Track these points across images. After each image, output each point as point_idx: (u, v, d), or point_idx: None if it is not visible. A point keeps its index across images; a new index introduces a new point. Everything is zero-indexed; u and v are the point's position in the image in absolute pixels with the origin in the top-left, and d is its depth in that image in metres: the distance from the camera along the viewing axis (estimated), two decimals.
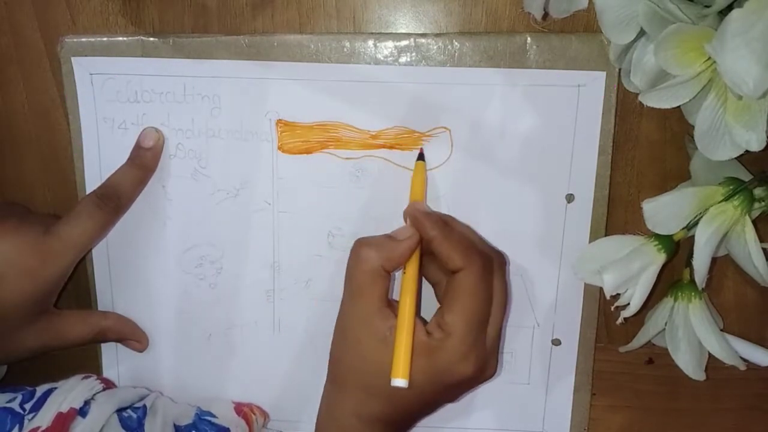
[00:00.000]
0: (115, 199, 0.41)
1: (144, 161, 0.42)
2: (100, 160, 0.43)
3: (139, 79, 0.42)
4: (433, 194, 0.43)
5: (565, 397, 0.46)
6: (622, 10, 0.35)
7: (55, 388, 0.40)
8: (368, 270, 0.37)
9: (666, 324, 0.42)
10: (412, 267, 0.39)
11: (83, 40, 0.42)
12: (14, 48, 0.43)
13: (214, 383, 0.47)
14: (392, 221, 0.43)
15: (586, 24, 0.41)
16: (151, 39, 0.41)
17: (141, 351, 0.46)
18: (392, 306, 0.38)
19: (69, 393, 0.39)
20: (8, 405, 0.39)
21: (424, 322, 0.38)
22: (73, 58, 0.42)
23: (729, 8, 0.30)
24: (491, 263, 0.39)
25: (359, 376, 0.38)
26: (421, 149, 0.42)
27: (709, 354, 0.40)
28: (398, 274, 0.40)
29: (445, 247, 0.38)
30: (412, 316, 0.37)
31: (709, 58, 0.32)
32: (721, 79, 0.31)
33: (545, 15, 0.40)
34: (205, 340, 0.46)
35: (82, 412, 0.39)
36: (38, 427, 0.37)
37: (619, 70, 0.40)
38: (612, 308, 0.40)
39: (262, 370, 0.46)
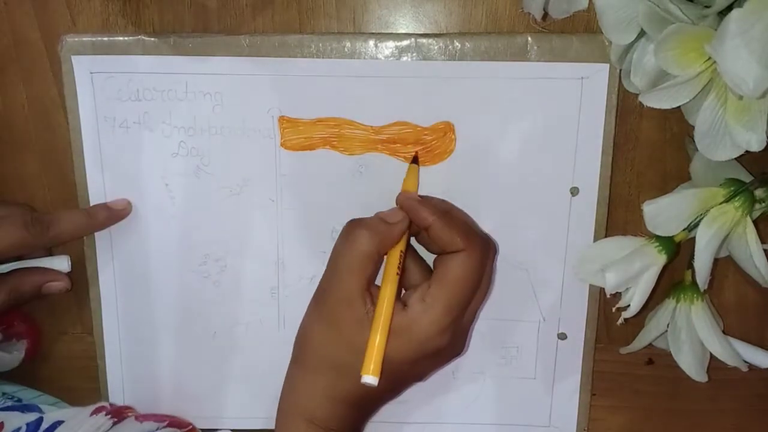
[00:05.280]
0: (44, 230, 0.41)
1: (95, 214, 0.43)
2: (101, 160, 0.43)
3: (140, 77, 0.42)
4: (436, 189, 0.43)
5: (571, 391, 0.46)
6: (622, 10, 0.35)
7: (62, 421, 0.39)
8: (362, 251, 0.37)
9: (668, 326, 0.42)
10: (394, 255, 0.39)
11: (84, 39, 0.42)
12: (14, 48, 0.43)
13: (219, 380, 0.47)
14: None
15: (586, 24, 0.41)
16: (152, 39, 0.41)
17: (62, 289, 0.44)
18: (373, 292, 0.38)
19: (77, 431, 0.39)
20: None
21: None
22: (73, 57, 0.42)
23: (729, 8, 0.30)
24: (489, 249, 0.39)
25: (333, 356, 0.38)
26: (416, 153, 0.42)
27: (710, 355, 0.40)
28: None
29: (446, 231, 0.38)
30: (391, 307, 0.37)
31: (709, 58, 0.32)
32: (721, 79, 0.31)
33: (545, 15, 0.40)
34: (210, 337, 0.46)
35: None
36: None
37: (620, 70, 0.40)
38: (613, 310, 0.40)
39: (267, 367, 0.46)
